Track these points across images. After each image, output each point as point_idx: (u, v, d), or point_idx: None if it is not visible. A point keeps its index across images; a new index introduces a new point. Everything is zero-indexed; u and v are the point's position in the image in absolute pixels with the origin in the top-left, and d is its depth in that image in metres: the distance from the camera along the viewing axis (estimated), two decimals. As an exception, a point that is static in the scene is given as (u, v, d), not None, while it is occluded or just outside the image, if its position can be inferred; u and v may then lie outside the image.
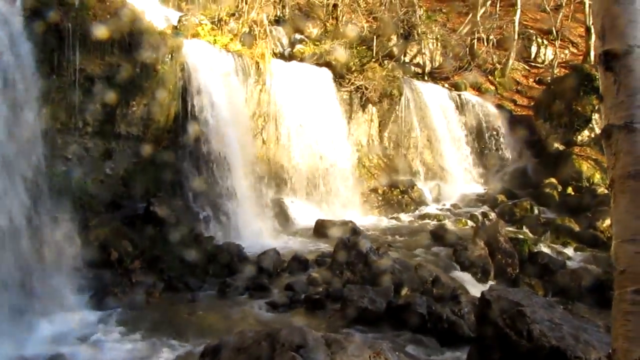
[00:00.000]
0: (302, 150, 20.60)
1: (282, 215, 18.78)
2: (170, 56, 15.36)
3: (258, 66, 18.94)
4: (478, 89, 28.94)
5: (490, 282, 15.08)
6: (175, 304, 12.20)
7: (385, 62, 24.88)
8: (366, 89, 22.71)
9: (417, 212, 21.96)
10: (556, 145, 25.49)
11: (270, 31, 21.80)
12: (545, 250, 18.53)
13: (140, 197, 14.93)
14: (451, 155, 24.81)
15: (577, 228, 20.98)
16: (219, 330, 10.50)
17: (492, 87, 29.53)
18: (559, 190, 23.76)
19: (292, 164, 20.38)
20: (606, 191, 22.81)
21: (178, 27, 19.08)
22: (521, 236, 19.07)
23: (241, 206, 17.17)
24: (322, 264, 14.86)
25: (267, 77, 19.18)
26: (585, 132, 25.67)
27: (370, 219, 20.61)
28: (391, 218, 21.28)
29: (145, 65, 14.56)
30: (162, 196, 15.03)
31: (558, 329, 9.80)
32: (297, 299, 12.97)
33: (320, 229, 17.90)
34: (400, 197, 22.31)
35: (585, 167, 24.32)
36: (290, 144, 20.42)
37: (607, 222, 21.21)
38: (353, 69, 23.00)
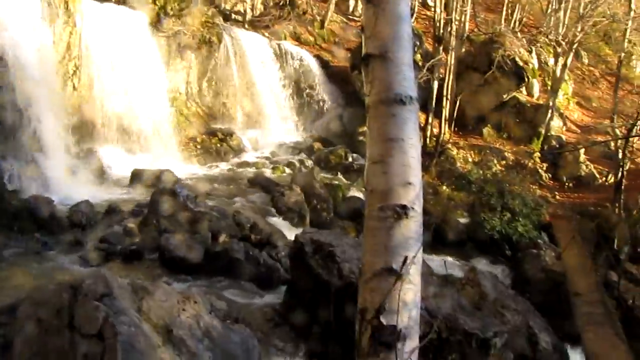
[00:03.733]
0: (116, 96, 19.51)
1: (95, 166, 17.78)
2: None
3: (67, 6, 17.44)
4: (298, 39, 29.26)
5: (306, 226, 15.66)
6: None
7: (205, 8, 24.18)
8: (184, 34, 21.96)
9: (236, 160, 22.01)
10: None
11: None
12: (358, 194, 19.61)
13: None
14: (270, 104, 24.98)
15: (385, 173, 22.51)
16: (26, 289, 9.81)
17: (312, 38, 30.00)
18: (371, 137, 25.05)
19: (106, 111, 19.26)
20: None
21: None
22: (336, 182, 20.07)
23: (50, 157, 16.02)
24: (138, 214, 14.43)
25: (78, 18, 17.75)
26: (395, 83, 27.16)
27: (188, 168, 20.29)
28: (210, 166, 21.15)
29: None
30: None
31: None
32: (113, 251, 12.62)
33: (136, 179, 17.28)
34: (219, 145, 22.17)
35: (395, 116, 25.80)
36: (104, 91, 19.23)
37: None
38: (171, 13, 22.07)
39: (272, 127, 24.58)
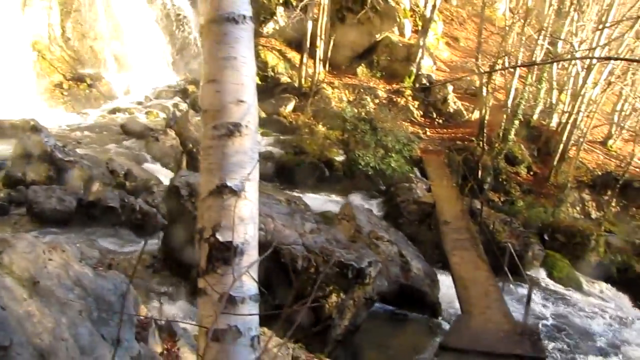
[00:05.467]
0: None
1: (-54, 115, 16.37)
2: None
3: None
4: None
5: (182, 170, 15.41)
6: None
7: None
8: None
9: (107, 106, 21.09)
10: (244, 36, 26.20)
11: None
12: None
13: None
14: (142, 47, 23.88)
15: (263, 114, 22.47)
16: None
17: (185, -22, 28.81)
18: (247, 79, 24.74)
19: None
20: (289, 80, 24.57)
21: None
22: (213, 125, 19.75)
23: None
24: (0, 168, 13.51)
25: None
26: (270, 25, 26.84)
27: (55, 116, 19.18)
28: (79, 114, 20.11)
29: None
30: None
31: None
32: (-27, 208, 11.79)
33: (-4, 129, 16.09)
34: (88, 91, 21.07)
35: (271, 58, 25.62)
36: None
37: (289, 108, 23.04)
38: (23, -54, 20.28)
39: (145, 70, 23.59)
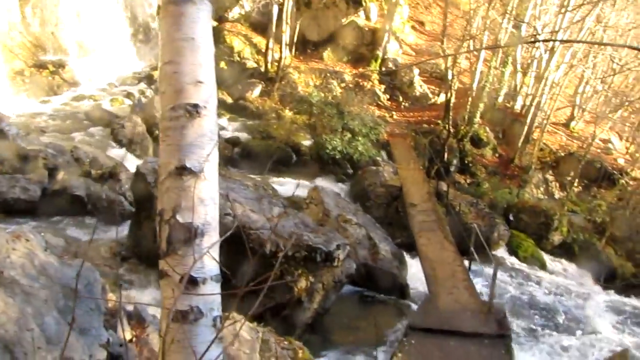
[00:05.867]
0: None
1: None
2: None
3: None
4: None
5: (149, 157, 15.26)
6: None
7: None
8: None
9: (71, 94, 20.69)
10: (209, 21, 25.92)
11: None
12: (202, 123, 19.32)
13: None
14: (105, 33, 23.43)
15: (229, 100, 22.36)
16: None
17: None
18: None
19: None
20: (255, 65, 24.42)
21: None
22: (179, 111, 19.53)
23: None
24: (-40, 159, 13.20)
25: None
26: (236, 9, 26.62)
27: (17, 104, 18.74)
28: (42, 101, 19.70)
29: None
30: None
31: (210, 192, 10.56)
32: None
33: (-48, 118, 15.65)
34: (50, 78, 20.65)
35: (236, 43, 25.42)
36: None
37: (256, 93, 22.93)
38: None
39: (109, 57, 23.17)
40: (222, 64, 24.80)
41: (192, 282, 2.05)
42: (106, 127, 17.41)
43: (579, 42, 22.39)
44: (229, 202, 10.28)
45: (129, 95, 21.04)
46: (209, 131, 2.17)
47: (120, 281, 10.00)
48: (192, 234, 2.07)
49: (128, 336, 6.32)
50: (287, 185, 16.27)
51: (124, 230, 11.74)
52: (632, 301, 15.63)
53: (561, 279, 16.42)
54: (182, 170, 2.11)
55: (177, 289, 2.02)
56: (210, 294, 2.07)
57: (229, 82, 23.37)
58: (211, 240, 2.14)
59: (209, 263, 2.12)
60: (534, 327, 12.56)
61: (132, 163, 14.85)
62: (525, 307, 13.41)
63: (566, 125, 27.70)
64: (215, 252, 2.16)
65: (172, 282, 2.08)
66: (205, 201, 2.14)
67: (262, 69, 24.35)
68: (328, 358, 9.39)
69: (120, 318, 6.57)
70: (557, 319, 13.11)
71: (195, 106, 2.13)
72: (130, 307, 7.19)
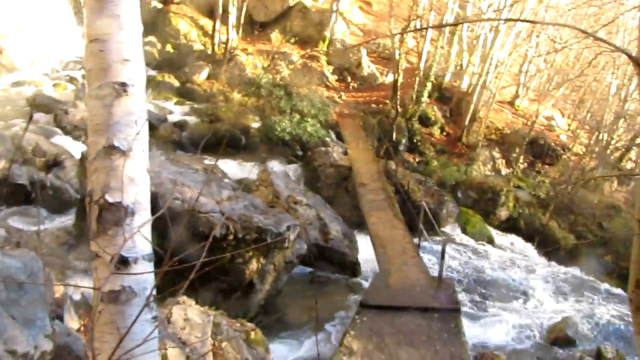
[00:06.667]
0: None
1: None
2: None
3: None
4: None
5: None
6: None
7: None
8: None
9: (9, 79, 19.95)
10: (154, 3, 25.40)
11: None
12: (148, 106, 18.94)
13: None
14: (45, 15, 22.59)
15: (176, 83, 22.00)
16: None
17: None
18: (159, 48, 24.09)
19: None
20: (202, 47, 24.06)
21: None
22: (123, 96, 19.07)
23: None
24: None
25: None
26: (181, -10, 26.13)
27: (-49, 90, 18.02)
28: (-22, 88, 18.97)
29: None
30: None
31: (157, 176, 10.42)
32: None
33: None
34: (-14, 63, 19.88)
35: (182, 25, 24.99)
36: None
37: (203, 76, 22.62)
38: None
39: (51, 41, 22.38)
40: (169, 47, 24.35)
41: (123, 262, 2.03)
42: (49, 113, 16.87)
43: (521, 20, 22.75)
44: (182, 188, 10.18)
45: (72, 80, 20.44)
46: (137, 110, 2.14)
47: (67, 270, 9.82)
48: (122, 213, 2.05)
49: (76, 325, 6.22)
50: (236, 168, 16.17)
51: (70, 218, 11.51)
52: (574, 271, 16.22)
53: (508, 252, 16.90)
54: (111, 150, 2.07)
55: (108, 270, 1.99)
56: (142, 273, 2.05)
57: (176, 65, 22.98)
58: (142, 220, 2.11)
59: (141, 242, 2.10)
60: (482, 300, 12.92)
61: (77, 150, 14.49)
62: (474, 281, 13.77)
63: (511, 103, 28.32)
64: (148, 232, 2.14)
65: (103, 262, 2.05)
66: (135, 180, 2.11)
67: (210, 51, 23.98)
68: (281, 338, 9.46)
69: (67, 308, 6.45)
70: (503, 292, 13.51)
71: (123, 84, 2.10)
72: (77, 296, 7.08)
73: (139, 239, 2.08)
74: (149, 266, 2.11)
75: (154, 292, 2.10)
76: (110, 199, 2.05)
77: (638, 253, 5.93)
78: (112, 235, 2.05)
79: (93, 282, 2.10)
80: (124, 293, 2.03)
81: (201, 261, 1.93)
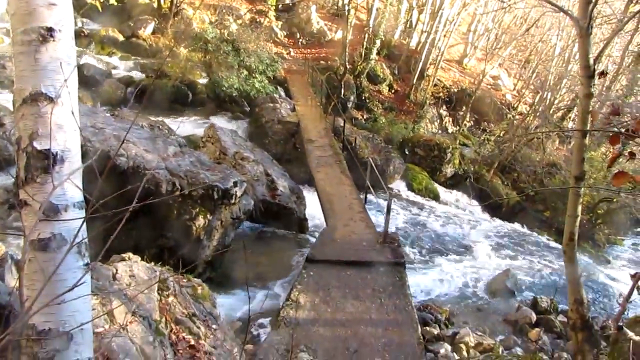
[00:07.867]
0: None
1: None
2: None
3: None
4: None
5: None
6: None
7: None
8: None
9: None
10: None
11: None
12: (91, 61, 18.40)
13: None
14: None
15: (121, 38, 21.33)
16: None
17: None
18: (102, 1, 23.22)
19: None
20: (147, 0, 23.29)
21: None
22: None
23: None
24: None
25: None
26: (124, -61, 25.07)
27: None
28: None
29: None
30: None
31: (101, 132, 10.19)
32: None
33: None
34: None
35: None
36: None
37: (149, 30, 22.00)
38: None
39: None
40: (112, 0, 23.49)
41: (53, 210, 2.00)
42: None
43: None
44: (126, 144, 9.98)
45: (9, 32, 19.55)
46: (65, 56, 2.08)
47: (8, 229, 9.59)
48: (50, 160, 2.01)
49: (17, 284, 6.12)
50: (183, 124, 15.95)
51: (9, 177, 11.16)
52: (515, 226, 16.80)
53: (453, 208, 17.34)
54: (38, 96, 2.02)
55: (37, 217, 1.96)
56: (72, 219, 2.04)
57: (120, 19, 22.24)
58: (72, 167, 2.08)
59: (71, 190, 2.07)
60: (426, 254, 13.28)
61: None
62: (419, 236, 14.11)
63: (459, 62, 28.62)
64: (78, 179, 2.11)
65: (32, 210, 2.02)
66: (64, 127, 2.07)
67: (155, 5, 23.24)
68: (228, 294, 9.53)
69: (9, 267, 6.33)
70: (447, 246, 13.91)
71: (50, 29, 2.03)
72: (20, 255, 6.94)
73: (70, 187, 2.05)
74: (80, 213, 2.08)
75: (86, 240, 2.09)
76: (38, 146, 2.00)
77: (572, 207, 6.23)
78: (40, 183, 2.02)
79: (22, 230, 2.06)
80: (54, 241, 2.01)
81: (132, 207, 1.93)
